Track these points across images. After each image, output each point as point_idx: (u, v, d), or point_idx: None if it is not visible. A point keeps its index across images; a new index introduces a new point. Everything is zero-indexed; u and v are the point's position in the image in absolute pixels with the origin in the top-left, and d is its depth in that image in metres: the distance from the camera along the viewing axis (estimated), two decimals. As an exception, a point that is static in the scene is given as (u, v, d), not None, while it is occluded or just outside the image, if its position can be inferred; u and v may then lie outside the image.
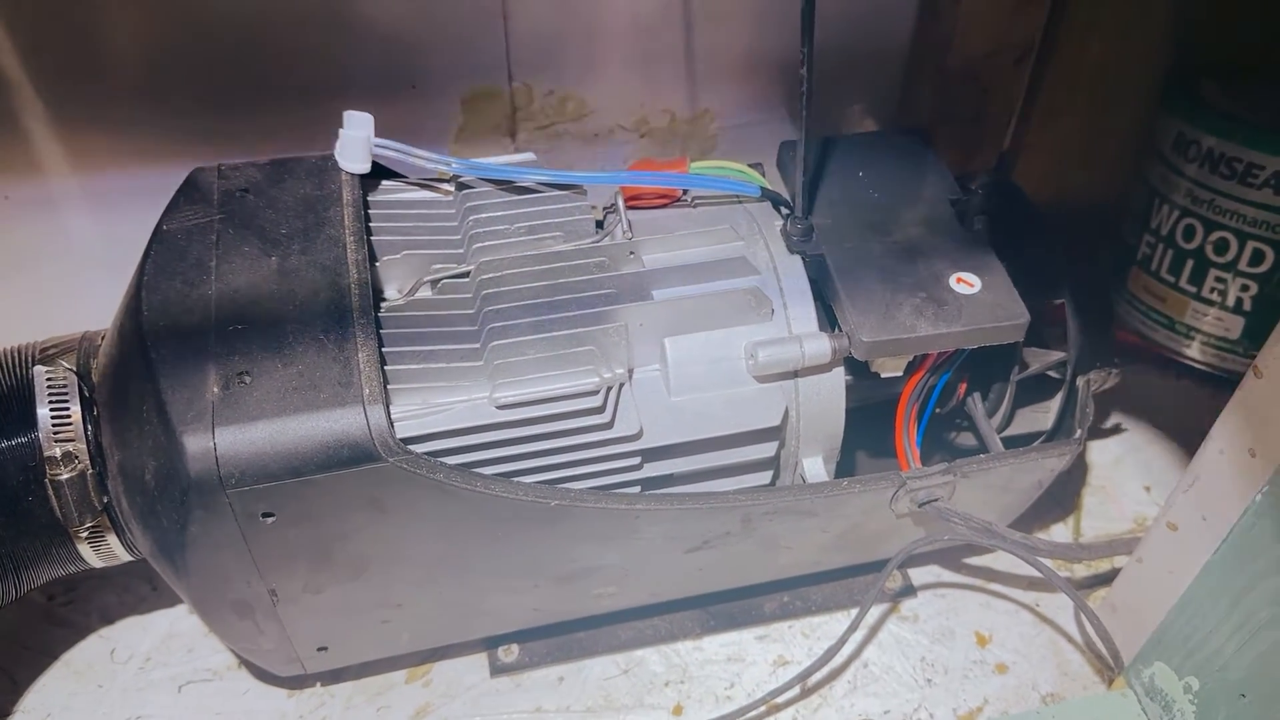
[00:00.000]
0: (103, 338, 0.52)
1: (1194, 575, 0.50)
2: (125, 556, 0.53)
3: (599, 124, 0.68)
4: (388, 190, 0.55)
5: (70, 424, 0.49)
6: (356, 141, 0.52)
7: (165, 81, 0.59)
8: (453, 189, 0.56)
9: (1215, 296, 0.67)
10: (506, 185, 0.55)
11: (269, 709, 0.58)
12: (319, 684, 0.59)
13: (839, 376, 0.53)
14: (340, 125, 0.52)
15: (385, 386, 0.46)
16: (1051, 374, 0.59)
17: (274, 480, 0.44)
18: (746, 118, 0.70)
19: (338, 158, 0.53)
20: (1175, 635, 0.52)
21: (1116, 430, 0.73)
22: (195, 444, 0.43)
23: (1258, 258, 0.64)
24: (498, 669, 0.60)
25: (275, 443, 0.44)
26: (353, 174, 0.53)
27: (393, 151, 0.52)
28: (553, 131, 0.68)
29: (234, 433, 0.44)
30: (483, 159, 0.56)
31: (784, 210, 0.56)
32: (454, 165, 0.53)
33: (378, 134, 0.52)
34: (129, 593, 0.63)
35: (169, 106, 0.59)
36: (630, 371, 0.51)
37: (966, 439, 0.63)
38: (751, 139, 0.70)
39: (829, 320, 0.54)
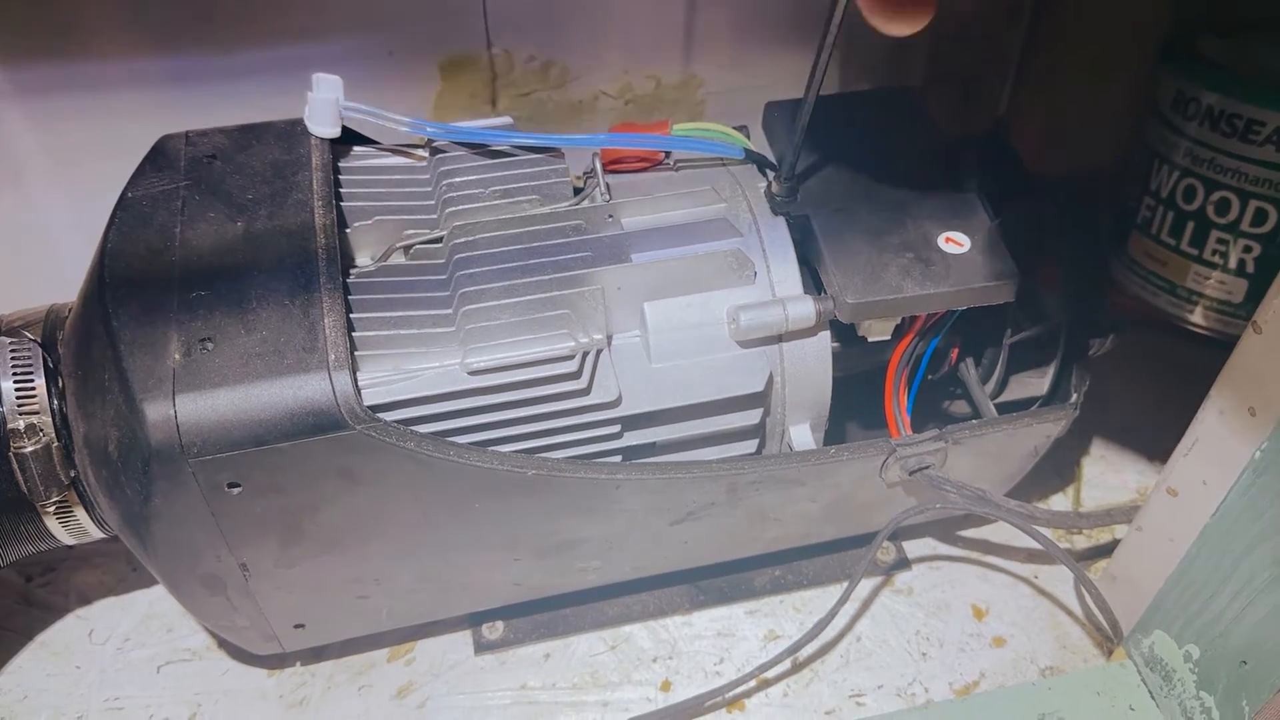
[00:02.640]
0: (69, 310, 0.51)
1: (1193, 540, 0.49)
2: (96, 533, 0.52)
3: (582, 90, 0.67)
4: (359, 156, 0.54)
5: (34, 396, 0.48)
6: (325, 104, 0.51)
7: (131, 46, 0.57)
8: (426, 154, 0.54)
9: (1217, 259, 0.65)
10: (481, 149, 0.53)
11: (249, 688, 0.57)
12: (299, 663, 0.58)
13: (825, 340, 0.51)
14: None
15: (352, 353, 0.44)
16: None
17: (237, 449, 0.43)
18: (734, 84, 0.69)
19: (306, 122, 0.51)
20: (1174, 602, 0.50)
21: (1117, 399, 0.72)
22: (155, 412, 0.42)
23: (1260, 217, 0.62)
24: (482, 646, 0.58)
25: (238, 410, 0.43)
26: (322, 138, 0.51)
27: (363, 114, 0.51)
28: (534, 99, 0.66)
29: (195, 400, 0.42)
30: (458, 123, 0.54)
31: (769, 173, 0.54)
32: (428, 129, 0.52)
33: (351, 100, 0.51)
34: (108, 573, 0.62)
35: (135, 73, 0.58)
36: (609, 338, 0.50)
37: (961, 409, 0.61)
38: (739, 105, 0.68)
39: (814, 284, 0.52)
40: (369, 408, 0.44)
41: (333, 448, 0.44)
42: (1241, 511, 0.46)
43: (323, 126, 0.51)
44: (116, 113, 0.59)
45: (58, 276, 0.55)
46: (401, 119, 0.51)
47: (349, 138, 0.53)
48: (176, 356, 0.43)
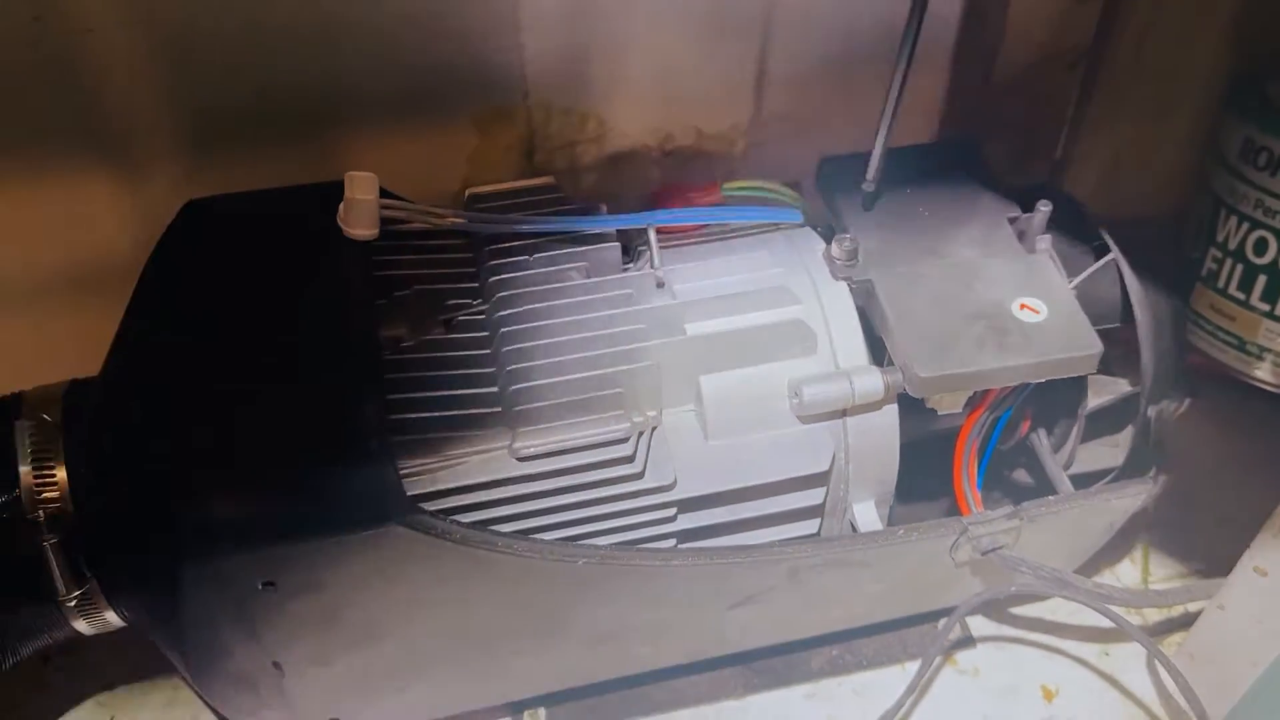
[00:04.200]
0: (90, 384, 0.48)
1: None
2: (119, 624, 0.49)
3: (620, 143, 0.64)
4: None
5: (55, 485, 0.45)
6: (362, 206, 0.46)
7: (151, 113, 0.55)
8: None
9: (1291, 315, 0.62)
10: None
11: (277, 783, 0.53)
12: (331, 755, 0.54)
13: (892, 415, 0.48)
14: (346, 166, 0.47)
15: (392, 439, 0.42)
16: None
17: (271, 545, 0.40)
18: (778, 134, 0.66)
19: (342, 224, 0.47)
20: (1272, 699, 0.47)
21: (1182, 459, 0.68)
22: (186, 509, 0.39)
23: (1336, 272, 0.59)
24: (524, 735, 0.55)
25: (274, 505, 0.40)
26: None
27: (402, 211, 0.47)
28: (571, 152, 0.63)
29: (228, 495, 0.40)
30: (499, 185, 0.52)
31: (823, 231, 0.52)
32: (474, 226, 0.49)
33: (385, 181, 0.47)
34: (129, 655, 0.59)
35: (158, 142, 0.55)
36: (661, 413, 0.47)
37: (1023, 475, 0.58)
38: (781, 155, 0.66)
39: (879, 353, 0.49)
40: (411, 498, 0.41)
41: (373, 542, 0.41)
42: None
43: (360, 229, 0.47)
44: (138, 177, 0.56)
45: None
46: (443, 212, 0.48)
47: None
48: (205, 447, 0.40)
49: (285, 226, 0.48)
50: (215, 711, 0.55)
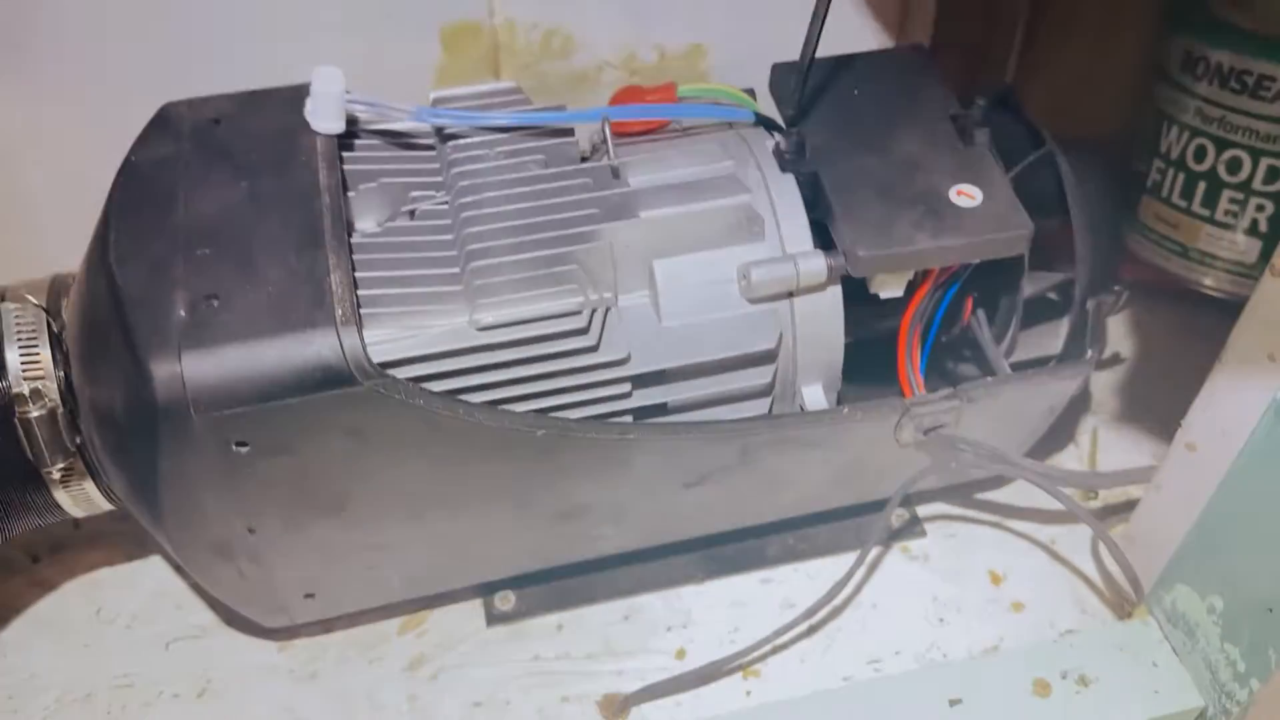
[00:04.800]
0: (73, 278, 0.50)
1: (1214, 491, 0.48)
2: (104, 504, 0.51)
3: (586, 61, 0.66)
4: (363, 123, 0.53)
5: (39, 361, 0.47)
6: (328, 99, 0.49)
7: (119, 23, 0.57)
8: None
9: (1229, 219, 0.64)
10: (487, 119, 0.53)
11: (259, 663, 0.56)
12: (308, 636, 0.57)
13: (836, 296, 0.51)
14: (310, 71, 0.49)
15: (359, 310, 0.44)
16: (1052, 296, 0.57)
17: (244, 405, 0.42)
18: (740, 53, 0.68)
19: (309, 118, 0.50)
20: (1197, 555, 0.50)
21: (1129, 369, 0.71)
22: (161, 369, 0.42)
23: (1272, 175, 0.62)
24: (494, 618, 0.58)
25: (245, 366, 0.42)
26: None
27: (366, 107, 0.50)
28: (536, 71, 0.66)
29: (201, 356, 0.42)
30: (462, 88, 0.54)
31: (777, 134, 0.54)
32: (433, 118, 0.51)
33: (354, 80, 0.49)
34: (115, 553, 0.61)
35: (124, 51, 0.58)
36: (616, 297, 0.49)
37: (969, 370, 0.61)
38: (745, 74, 0.68)
39: (824, 241, 0.52)
40: (377, 364, 0.44)
41: (341, 404, 0.43)
42: (1263, 456, 0.45)
43: (326, 122, 0.49)
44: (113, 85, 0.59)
45: (59, 250, 0.55)
46: (406, 108, 0.50)
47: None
48: (182, 314, 0.43)
49: (257, 125, 0.51)
50: (200, 595, 0.58)
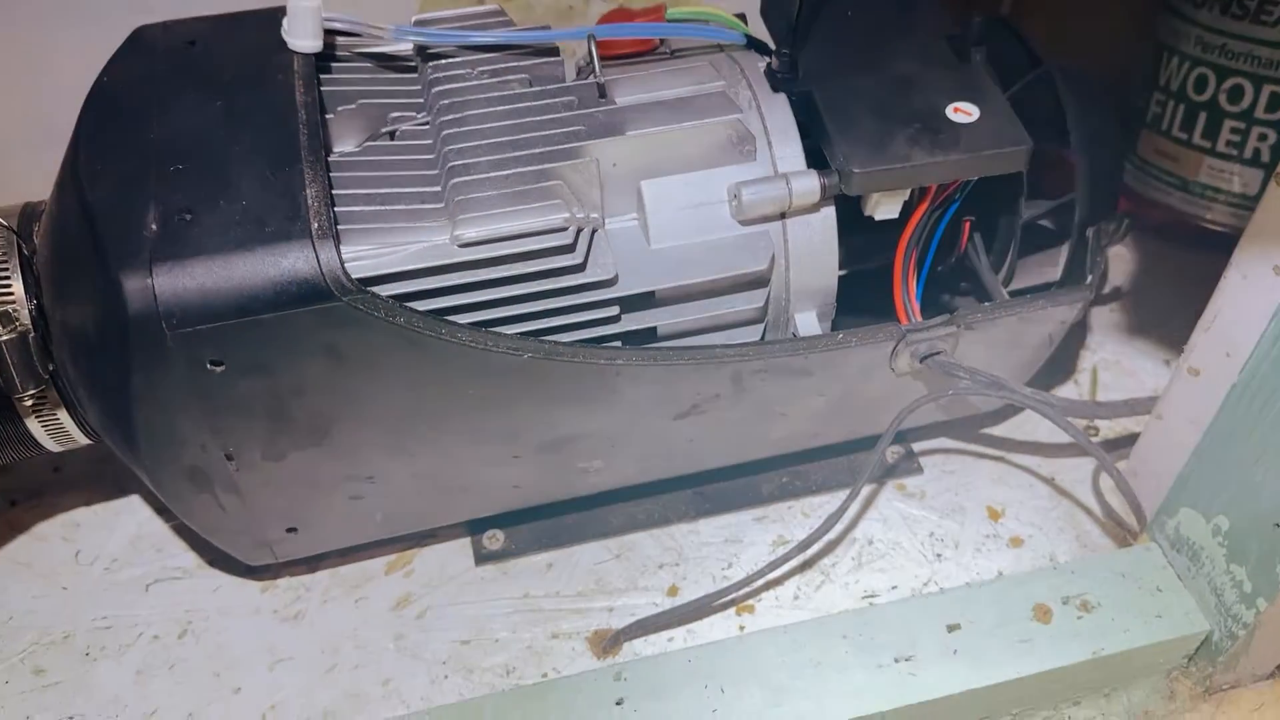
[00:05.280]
0: (44, 204, 0.49)
1: (1217, 411, 0.47)
2: (80, 438, 0.50)
3: (573, -8, 0.65)
4: (342, 45, 0.52)
5: (8, 283, 0.46)
6: (305, 14, 0.47)
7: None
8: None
9: (1231, 150, 0.63)
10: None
11: (242, 604, 0.55)
12: (292, 575, 0.56)
13: (830, 217, 0.49)
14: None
15: (336, 225, 0.43)
16: (1049, 225, 0.56)
17: (218, 320, 0.41)
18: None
19: (285, 36, 0.48)
20: (1201, 477, 0.48)
21: (1130, 306, 0.70)
22: (132, 283, 0.40)
23: (1275, 102, 0.61)
24: (482, 557, 0.56)
25: (218, 280, 0.41)
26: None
27: (344, 25, 0.48)
28: (522, 3, 0.64)
29: (173, 269, 0.40)
30: (445, 11, 0.52)
31: (769, 56, 0.53)
32: (412, 36, 0.49)
33: (335, 7, 0.48)
34: (94, 495, 0.60)
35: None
36: (604, 218, 0.48)
37: (969, 304, 0.59)
38: (736, 3, 0.66)
39: (818, 163, 0.50)
40: (356, 280, 0.42)
41: (318, 321, 0.42)
42: (1268, 371, 0.44)
43: (304, 40, 0.48)
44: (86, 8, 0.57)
45: (31, 181, 0.53)
46: (386, 27, 0.49)
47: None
48: (154, 228, 0.41)
49: (233, 46, 0.49)
50: (181, 536, 0.57)
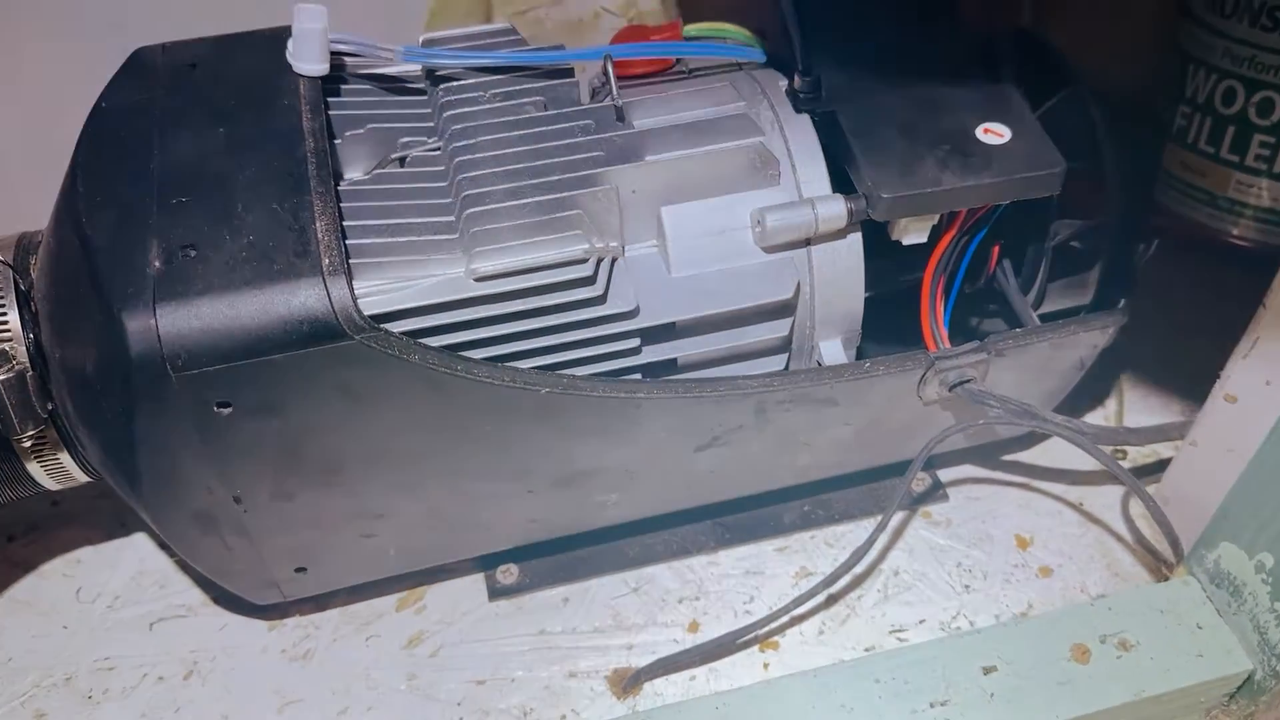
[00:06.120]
0: (42, 235, 0.47)
1: (1261, 442, 0.45)
2: (80, 477, 0.48)
3: (582, 8, 0.63)
4: (349, 66, 0.50)
5: (5, 320, 0.44)
6: (310, 36, 0.45)
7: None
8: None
9: (1261, 164, 0.62)
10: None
11: (249, 643, 0.53)
12: (301, 614, 0.54)
13: (856, 243, 0.48)
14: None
15: (347, 259, 0.41)
16: (1077, 246, 0.54)
17: (225, 361, 0.39)
18: (743, -1, 0.65)
19: (290, 60, 0.46)
20: (1244, 510, 0.47)
21: (1157, 324, 0.68)
22: (135, 322, 0.38)
23: (1307, 116, 0.59)
24: (496, 592, 0.55)
25: (225, 320, 0.39)
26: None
27: (352, 46, 0.47)
28: (531, 18, 0.62)
29: (178, 308, 0.39)
30: (454, 29, 0.51)
31: (791, 75, 0.51)
32: (423, 57, 0.48)
33: (340, 27, 0.46)
34: (95, 530, 0.58)
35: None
36: (623, 247, 0.46)
37: (997, 328, 0.58)
38: (754, 21, 0.65)
39: (843, 187, 0.49)
40: (369, 317, 0.41)
41: (330, 360, 0.40)
42: (1318, 404, 0.42)
43: (309, 62, 0.46)
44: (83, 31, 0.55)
45: (28, 209, 0.51)
46: (395, 48, 0.47)
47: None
48: (157, 264, 0.40)
49: (236, 69, 0.47)
50: (185, 572, 0.55)
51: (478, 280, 0.43)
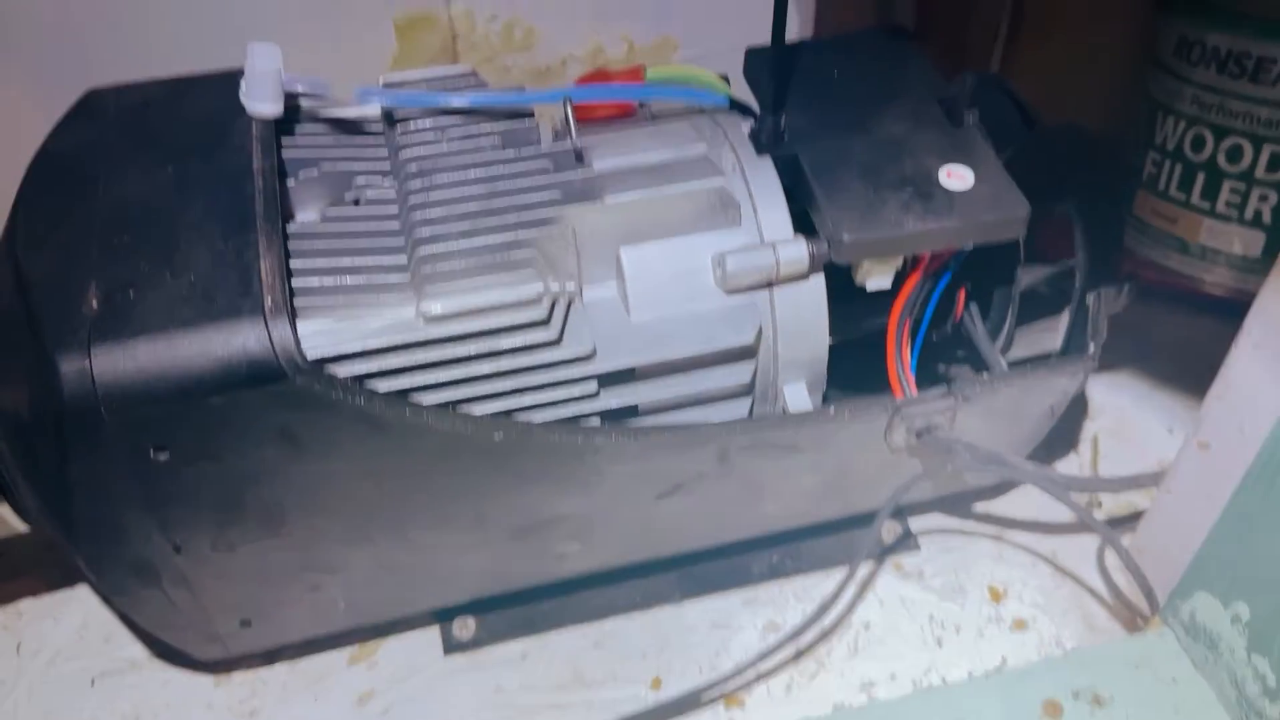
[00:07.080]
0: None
1: (1235, 489, 0.44)
2: (17, 525, 0.46)
3: (549, 54, 0.63)
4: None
5: (-61, 365, 0.42)
6: (265, 77, 0.44)
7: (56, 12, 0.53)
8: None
9: (1231, 211, 0.61)
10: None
11: (194, 700, 0.51)
12: (248, 668, 0.52)
13: (819, 287, 0.47)
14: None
15: (292, 299, 0.40)
16: (1044, 291, 0.53)
17: (161, 403, 0.38)
18: (712, 46, 0.65)
19: (244, 100, 0.45)
20: (1218, 559, 0.46)
21: (1130, 371, 0.67)
22: (69, 364, 0.37)
23: (1275, 163, 0.59)
24: (452, 646, 0.53)
25: (162, 359, 0.38)
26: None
27: (307, 87, 0.46)
28: (498, 64, 0.62)
29: (113, 349, 0.37)
30: (414, 71, 0.50)
31: (753, 119, 0.50)
32: (379, 99, 0.47)
33: (298, 70, 0.45)
34: (37, 583, 0.56)
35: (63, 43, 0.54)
36: (581, 289, 0.45)
37: (965, 373, 0.57)
38: (718, 68, 0.64)
39: (806, 230, 0.48)
40: (313, 361, 0.39)
41: (270, 403, 0.39)
42: (1289, 449, 0.41)
43: (263, 104, 0.45)
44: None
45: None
46: (350, 91, 0.46)
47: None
48: (94, 304, 0.38)
49: (189, 110, 0.47)
50: (129, 626, 0.53)
51: (428, 321, 0.42)
